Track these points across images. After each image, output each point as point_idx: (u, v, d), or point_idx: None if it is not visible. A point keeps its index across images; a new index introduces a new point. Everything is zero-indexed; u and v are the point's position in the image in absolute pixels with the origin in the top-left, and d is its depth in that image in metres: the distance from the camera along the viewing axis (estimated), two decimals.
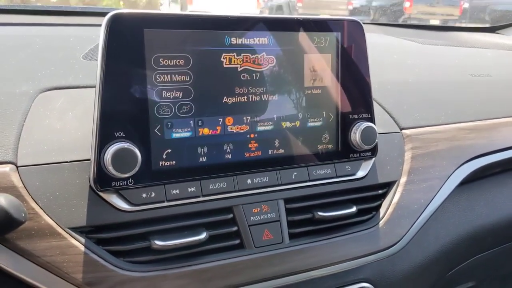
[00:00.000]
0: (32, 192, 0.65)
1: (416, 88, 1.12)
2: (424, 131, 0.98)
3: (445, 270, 1.07)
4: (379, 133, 0.87)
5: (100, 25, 0.67)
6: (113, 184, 0.68)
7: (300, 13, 10.69)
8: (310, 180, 0.82)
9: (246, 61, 0.76)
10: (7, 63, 0.86)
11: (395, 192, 0.90)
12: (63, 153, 0.69)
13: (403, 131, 0.96)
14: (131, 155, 0.66)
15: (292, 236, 0.79)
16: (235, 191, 0.76)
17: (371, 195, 0.88)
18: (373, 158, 0.88)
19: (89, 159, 0.68)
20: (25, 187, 0.65)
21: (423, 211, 0.91)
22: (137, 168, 0.67)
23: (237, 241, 0.76)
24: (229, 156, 0.76)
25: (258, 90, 0.77)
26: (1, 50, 0.92)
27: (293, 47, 0.80)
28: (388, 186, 0.90)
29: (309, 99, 0.82)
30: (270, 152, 0.79)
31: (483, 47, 1.61)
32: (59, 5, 1.62)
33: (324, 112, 0.83)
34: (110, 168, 0.65)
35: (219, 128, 0.75)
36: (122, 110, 0.68)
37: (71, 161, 0.69)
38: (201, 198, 0.74)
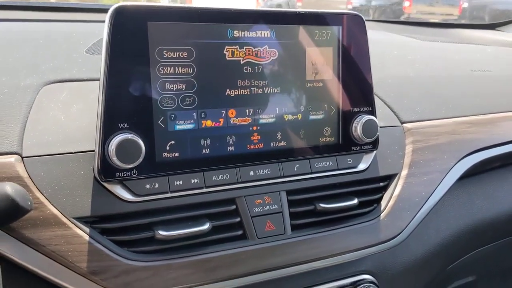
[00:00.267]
0: (37, 182, 0.66)
1: (416, 82, 1.13)
2: (424, 125, 0.99)
3: (446, 263, 1.08)
4: (380, 127, 0.87)
5: (102, 21, 0.67)
6: (117, 175, 0.68)
7: None
8: (312, 173, 0.83)
9: (249, 54, 0.77)
10: (11, 57, 0.86)
11: (396, 185, 0.90)
12: (67, 144, 0.70)
13: (404, 124, 0.97)
14: (135, 146, 0.67)
15: (294, 228, 0.80)
16: (238, 183, 0.77)
17: (372, 187, 0.89)
18: (374, 151, 0.89)
19: (93, 150, 0.69)
20: (30, 177, 0.66)
21: (424, 204, 0.91)
22: (141, 159, 0.68)
23: (240, 232, 0.76)
24: (231, 148, 0.77)
25: (260, 83, 0.78)
26: (5, 45, 0.93)
27: (295, 40, 0.80)
28: (389, 179, 0.91)
29: (310, 92, 0.82)
30: (272, 144, 0.80)
31: (483, 44, 1.62)
32: (62, 1, 1.62)
33: (325, 105, 0.84)
34: (114, 159, 0.66)
35: (222, 120, 0.76)
36: (126, 101, 0.68)
37: (75, 152, 0.70)
38: (204, 190, 0.75)
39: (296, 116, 0.82)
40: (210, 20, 0.73)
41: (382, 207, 0.88)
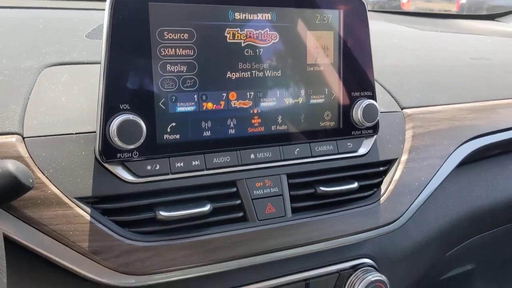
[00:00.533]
0: (38, 162, 0.66)
1: (416, 70, 1.13)
2: (424, 111, 0.99)
3: (444, 249, 1.08)
4: (380, 112, 0.87)
5: (102, 9, 0.67)
6: (118, 156, 0.68)
7: None
8: (312, 156, 0.83)
9: (250, 37, 0.77)
10: (11, 41, 0.86)
11: (396, 170, 0.91)
12: (68, 125, 0.70)
13: (404, 110, 0.97)
14: (136, 127, 0.67)
15: (294, 210, 0.80)
16: (239, 166, 0.77)
17: (372, 172, 0.89)
18: (375, 136, 0.89)
19: (94, 132, 0.69)
20: (31, 157, 0.66)
21: (424, 189, 0.92)
22: (142, 140, 0.68)
23: (240, 214, 0.77)
24: (232, 131, 0.77)
25: (261, 66, 0.78)
26: (6, 30, 0.92)
27: (296, 24, 0.80)
28: (389, 163, 0.91)
29: (311, 76, 0.82)
30: (273, 128, 0.80)
31: (482, 34, 1.62)
32: None
33: (326, 89, 0.84)
34: (116, 140, 0.66)
35: (222, 103, 0.76)
36: (127, 82, 0.68)
37: (76, 133, 0.70)
38: (205, 172, 0.75)
39: (296, 100, 0.82)
40: (211, 1, 0.73)
41: (382, 191, 0.88)
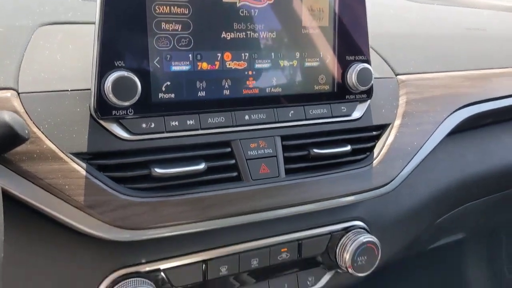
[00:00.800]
0: (33, 117, 0.66)
1: (411, 38, 1.13)
2: (418, 77, 1.00)
3: (436, 216, 1.10)
4: (374, 78, 0.88)
5: None
6: (113, 113, 0.69)
7: None
8: (306, 119, 0.84)
9: None
10: (6, 1, 0.85)
11: (389, 134, 0.91)
12: (63, 82, 0.70)
13: (398, 76, 0.98)
14: (131, 83, 0.67)
15: (288, 172, 0.81)
16: (233, 126, 0.78)
17: (366, 136, 0.90)
18: (369, 101, 0.90)
19: (89, 89, 0.69)
20: (26, 113, 0.66)
21: (416, 154, 0.93)
22: (136, 97, 0.68)
23: (234, 174, 0.77)
24: (227, 92, 0.77)
25: (256, 27, 0.78)
26: None
27: None
28: (382, 128, 0.92)
29: (306, 39, 0.82)
30: (267, 90, 0.80)
31: (479, 8, 1.61)
32: None
33: (321, 53, 0.84)
34: (111, 96, 0.67)
35: (217, 63, 0.76)
36: (122, 40, 0.68)
37: (71, 90, 0.70)
38: (200, 131, 0.75)
39: (291, 63, 0.82)
40: None
41: (375, 155, 0.89)
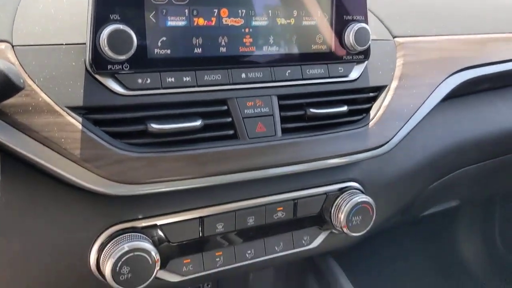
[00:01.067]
0: (28, 70, 0.66)
1: (410, 2, 1.12)
2: (416, 40, 0.99)
3: (430, 180, 1.11)
4: (372, 40, 0.87)
5: None
6: (109, 67, 0.68)
7: None
8: (303, 79, 0.83)
9: None
10: None
11: (385, 96, 0.91)
12: (58, 36, 0.70)
13: (395, 39, 0.97)
14: (126, 37, 0.67)
15: (284, 131, 0.81)
16: (230, 84, 0.77)
17: (362, 97, 0.90)
18: (366, 62, 0.89)
19: (84, 43, 0.68)
20: (21, 65, 0.65)
21: (412, 116, 0.93)
22: (132, 51, 0.68)
23: (231, 132, 0.77)
24: (223, 50, 0.77)
25: None
26: None
27: None
28: (379, 90, 0.92)
29: None
30: (264, 48, 0.80)
31: None
32: None
33: (318, 12, 0.83)
34: (106, 49, 0.66)
35: (214, 19, 0.75)
36: None
37: (66, 44, 0.69)
38: (196, 89, 0.75)
39: (289, 21, 0.81)
40: None
41: (371, 117, 0.89)
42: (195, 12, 0.74)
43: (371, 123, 0.89)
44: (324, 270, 1.08)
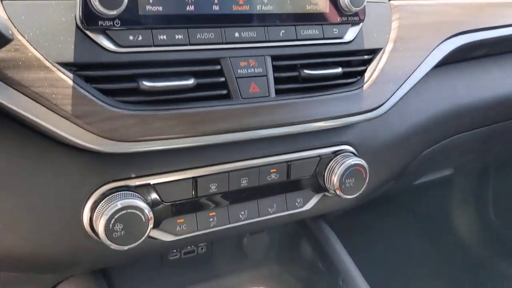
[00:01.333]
0: (17, 25, 0.65)
1: None
2: (411, 3, 0.98)
3: (424, 145, 1.11)
4: (367, 2, 0.86)
5: None
6: (99, 23, 0.67)
7: None
8: (297, 39, 0.82)
9: None
10: None
11: (380, 59, 0.91)
12: None
13: (391, 1, 0.96)
14: None
15: (278, 92, 0.81)
16: (223, 43, 0.76)
17: (357, 59, 0.90)
18: (361, 24, 0.88)
19: None
20: (9, 19, 0.64)
21: (407, 79, 0.93)
22: (123, 7, 0.66)
23: (224, 92, 0.77)
24: (216, 8, 0.75)
25: None
26: None
27: None
28: (373, 52, 0.91)
29: None
30: (258, 7, 0.79)
31: None
32: None
33: None
34: (96, 4, 0.65)
35: None
36: None
37: None
38: (189, 47, 0.74)
39: None
40: None
41: (366, 79, 0.89)
42: None
43: (365, 86, 0.88)
44: (317, 235, 1.09)
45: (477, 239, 1.87)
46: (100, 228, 0.71)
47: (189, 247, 1.08)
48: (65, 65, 0.67)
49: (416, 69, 0.94)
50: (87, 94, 0.67)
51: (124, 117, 0.69)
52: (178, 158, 0.78)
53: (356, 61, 0.90)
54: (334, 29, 0.86)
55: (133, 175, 0.75)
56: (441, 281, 1.82)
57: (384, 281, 1.35)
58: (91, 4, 0.65)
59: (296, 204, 0.92)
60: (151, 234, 0.78)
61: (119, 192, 0.73)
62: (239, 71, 0.78)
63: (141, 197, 0.74)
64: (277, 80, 0.81)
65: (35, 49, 0.65)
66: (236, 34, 0.77)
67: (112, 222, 0.71)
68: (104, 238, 0.71)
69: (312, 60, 0.84)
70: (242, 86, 0.78)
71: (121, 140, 0.69)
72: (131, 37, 0.70)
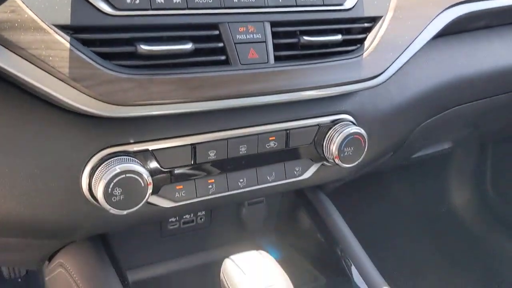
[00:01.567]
0: None
1: None
2: None
3: (424, 116, 1.11)
4: None
5: None
6: None
7: None
8: (297, 6, 0.81)
9: None
10: None
11: (380, 27, 0.90)
12: None
13: None
14: None
15: (277, 58, 0.80)
16: (221, 8, 0.76)
17: (357, 27, 0.89)
18: None
19: None
20: None
21: (407, 48, 0.92)
22: None
23: (223, 57, 0.76)
24: None
25: None
26: None
27: None
28: (374, 20, 0.90)
29: None
30: None
31: None
32: None
33: None
34: None
35: None
36: None
37: None
38: (187, 11, 0.73)
39: None
40: None
41: (366, 47, 0.88)
42: None
43: (365, 54, 0.87)
44: (315, 205, 1.09)
45: (474, 213, 1.88)
46: (99, 192, 0.71)
47: (188, 217, 1.09)
48: (62, 28, 0.66)
49: (416, 38, 0.94)
50: (84, 57, 0.66)
51: (122, 80, 0.68)
52: (176, 125, 0.78)
53: (356, 29, 0.89)
54: None
55: (131, 141, 0.75)
56: (437, 255, 1.84)
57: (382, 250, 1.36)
58: None
59: (295, 172, 0.92)
60: (150, 200, 0.78)
61: (118, 157, 0.73)
62: (237, 36, 0.77)
63: (138, 161, 0.74)
64: (276, 47, 0.80)
65: (31, 10, 0.64)
66: None
67: (111, 186, 0.71)
68: (103, 203, 0.71)
69: (311, 27, 0.84)
70: (241, 52, 0.77)
71: (118, 104, 0.69)
72: (128, 0, 0.69)
